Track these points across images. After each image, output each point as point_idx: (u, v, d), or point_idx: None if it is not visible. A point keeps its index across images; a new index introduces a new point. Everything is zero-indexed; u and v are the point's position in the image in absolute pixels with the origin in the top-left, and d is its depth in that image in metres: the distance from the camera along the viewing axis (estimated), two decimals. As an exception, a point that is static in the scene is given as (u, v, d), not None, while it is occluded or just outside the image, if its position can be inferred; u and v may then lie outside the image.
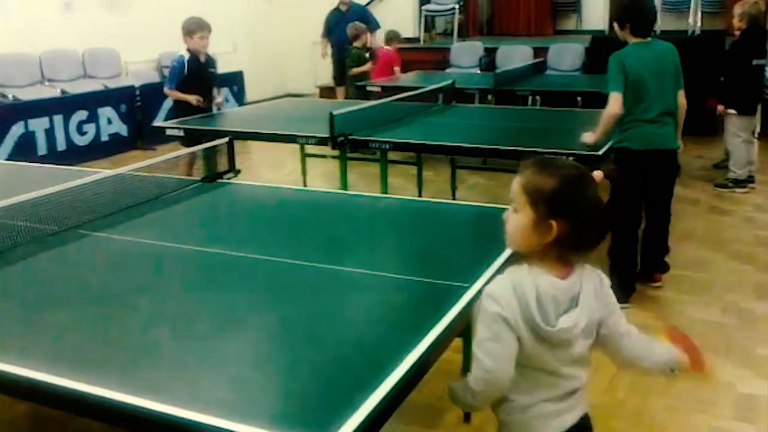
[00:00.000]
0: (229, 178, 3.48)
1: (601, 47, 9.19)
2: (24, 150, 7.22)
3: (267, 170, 6.99)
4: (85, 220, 2.77)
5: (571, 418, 1.70)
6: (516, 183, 1.63)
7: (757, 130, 6.25)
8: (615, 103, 3.82)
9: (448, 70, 9.92)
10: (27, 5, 8.26)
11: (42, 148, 7.52)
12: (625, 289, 3.76)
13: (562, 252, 1.62)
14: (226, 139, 3.56)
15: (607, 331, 1.71)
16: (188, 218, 2.98)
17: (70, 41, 8.63)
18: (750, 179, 6.14)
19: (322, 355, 1.71)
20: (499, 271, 2.00)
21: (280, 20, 12.01)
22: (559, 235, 1.57)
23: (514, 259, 1.75)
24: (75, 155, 7.58)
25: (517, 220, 1.62)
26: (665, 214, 4.08)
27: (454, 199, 5.67)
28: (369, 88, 7.46)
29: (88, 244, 2.59)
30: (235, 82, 10.08)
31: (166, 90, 5.73)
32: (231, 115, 5.79)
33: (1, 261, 2.39)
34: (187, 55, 5.58)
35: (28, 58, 8.27)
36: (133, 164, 3.23)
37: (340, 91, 9.31)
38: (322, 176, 6.83)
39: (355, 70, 8.02)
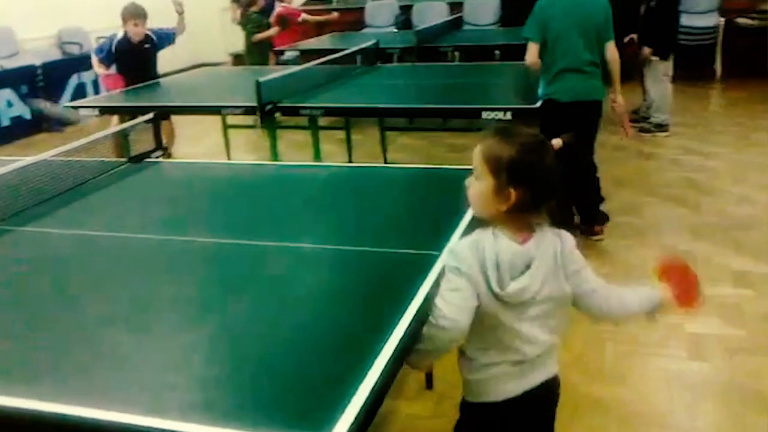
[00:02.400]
0: (157, 157, 3.27)
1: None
2: None
3: (186, 145, 6.69)
4: (7, 214, 2.53)
5: (534, 380, 1.74)
6: (477, 151, 1.64)
7: (671, 73, 6.40)
8: (530, 53, 3.88)
9: (363, 31, 9.75)
10: None
11: (-64, 137, 6.98)
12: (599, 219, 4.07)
13: (522, 217, 1.64)
14: (151, 115, 3.34)
15: (576, 290, 1.73)
16: (121, 203, 2.75)
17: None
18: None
19: (299, 343, 1.59)
20: (464, 235, 1.92)
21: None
22: (517, 201, 1.59)
23: (476, 223, 1.71)
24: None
25: (478, 187, 1.64)
26: (592, 165, 4.11)
27: (385, 161, 5.58)
28: (287, 54, 7.24)
29: (13, 240, 2.36)
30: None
31: (94, 60, 5.77)
32: (147, 89, 5.47)
33: None
34: (119, 35, 5.61)
35: None
36: (58, 148, 2.98)
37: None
38: (245, 147, 6.61)
39: (257, 36, 7.67)
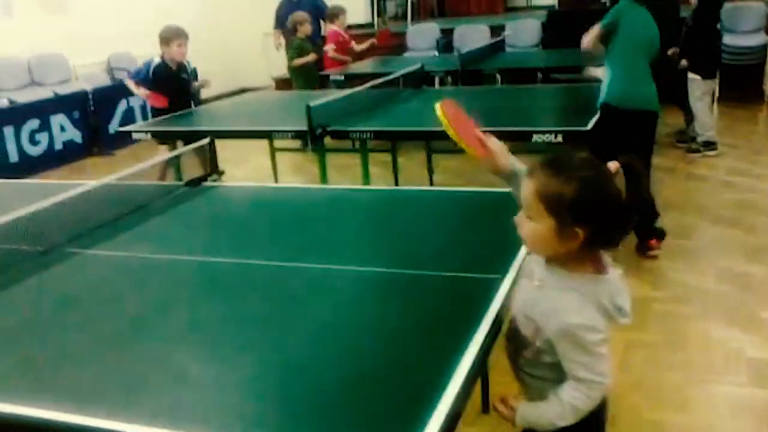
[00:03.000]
0: (214, 181, 3.33)
1: (557, 21, 9.24)
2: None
3: (231, 167, 6.75)
4: (72, 237, 2.59)
5: None
6: (528, 189, 1.51)
7: (716, 94, 6.33)
8: (591, 34, 4.01)
9: (405, 54, 9.83)
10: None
11: (-6, 161, 7.19)
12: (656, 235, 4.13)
13: (593, 250, 1.55)
14: (207, 140, 3.40)
15: None
16: (182, 226, 2.81)
17: (14, 48, 8.27)
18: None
19: (365, 370, 1.59)
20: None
21: (230, 13, 11.74)
22: (586, 239, 1.48)
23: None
24: (28, 166, 7.32)
25: (536, 229, 1.52)
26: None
27: (431, 184, 5.59)
28: (332, 78, 7.32)
29: (80, 262, 2.42)
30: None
31: (127, 81, 5.70)
32: (196, 114, 5.58)
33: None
34: (156, 61, 5.49)
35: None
36: (116, 173, 3.05)
37: None
38: (292, 170, 6.69)
39: (297, 62, 7.69)
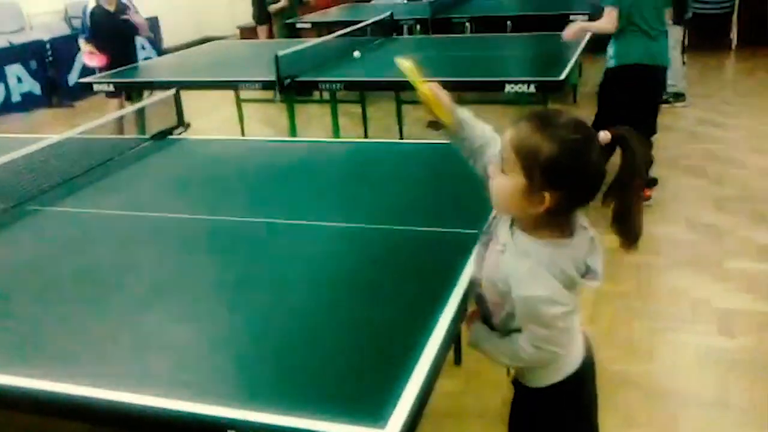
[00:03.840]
0: (179, 134, 3.24)
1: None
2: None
3: (197, 119, 6.59)
4: (34, 194, 2.51)
5: (582, 346, 1.64)
6: (508, 139, 1.40)
7: (686, 42, 6.30)
8: (610, 18, 3.88)
9: (373, 2, 9.63)
10: None
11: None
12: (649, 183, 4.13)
13: (555, 221, 1.43)
14: (173, 91, 3.30)
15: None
16: (148, 181, 2.73)
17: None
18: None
19: (343, 327, 1.57)
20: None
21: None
22: (551, 206, 1.37)
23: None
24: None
25: (506, 183, 1.40)
26: (650, 129, 4.15)
27: (401, 136, 5.53)
28: (298, 25, 7.15)
29: (43, 220, 2.34)
30: (150, 29, 9.50)
31: (80, 41, 5.41)
32: (157, 64, 5.42)
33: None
34: (91, 5, 5.24)
35: None
36: (78, 127, 2.94)
37: (262, 30, 8.85)
38: (259, 122, 6.56)
39: (273, 7, 7.56)
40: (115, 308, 1.71)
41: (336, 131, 4.53)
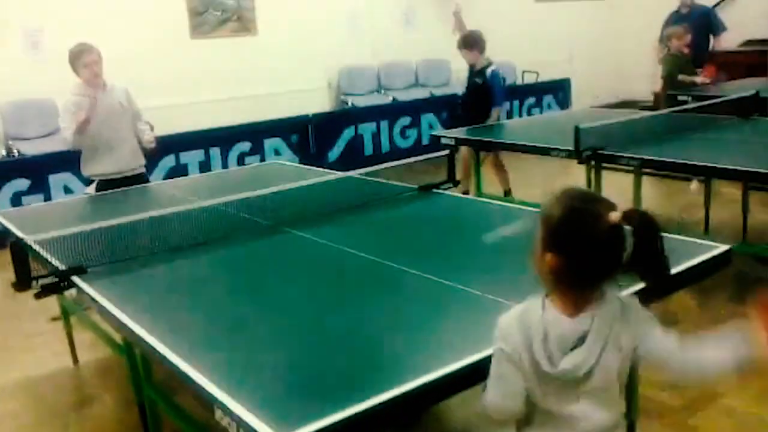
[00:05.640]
0: (445, 189, 3.68)
1: None
2: (352, 151, 8.23)
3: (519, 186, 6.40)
4: (293, 220, 3.18)
5: None
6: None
7: None
8: None
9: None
10: (374, 19, 9.33)
11: (368, 149, 8.44)
12: None
13: (569, 290, 1.54)
14: (447, 151, 3.77)
15: (647, 355, 1.59)
16: (387, 228, 3.17)
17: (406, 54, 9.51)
18: None
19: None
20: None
21: (619, 25, 11.65)
22: (556, 269, 1.51)
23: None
24: (396, 158, 8.37)
25: (534, 246, 1.59)
26: None
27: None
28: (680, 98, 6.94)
29: (286, 242, 2.98)
30: (560, 89, 10.15)
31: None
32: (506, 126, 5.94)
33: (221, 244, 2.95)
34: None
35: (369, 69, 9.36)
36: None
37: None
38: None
39: (683, 78, 7.23)
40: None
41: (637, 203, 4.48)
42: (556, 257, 1.50)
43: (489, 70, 6.13)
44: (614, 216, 1.49)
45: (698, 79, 7.31)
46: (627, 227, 1.50)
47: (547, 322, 1.53)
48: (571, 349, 1.53)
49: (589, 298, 1.55)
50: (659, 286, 1.57)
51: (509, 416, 1.62)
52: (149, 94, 5.33)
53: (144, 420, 2.81)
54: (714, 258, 2.39)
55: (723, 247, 2.44)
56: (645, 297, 1.69)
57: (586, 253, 1.49)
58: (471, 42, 6.16)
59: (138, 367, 2.73)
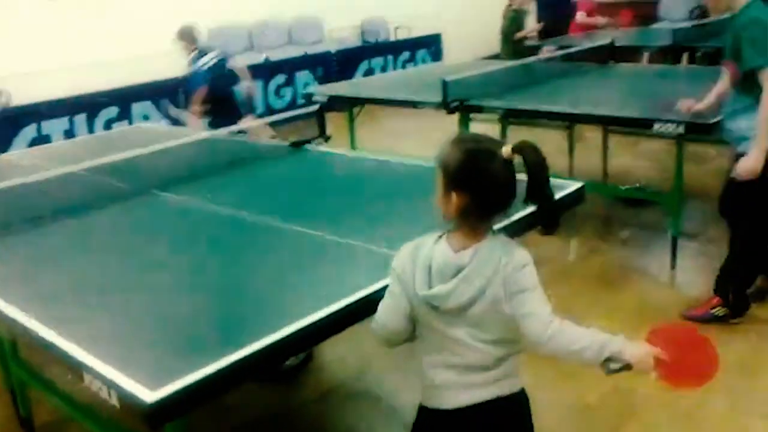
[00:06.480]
0: (317, 144, 3.68)
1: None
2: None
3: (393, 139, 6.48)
4: (163, 183, 3.12)
5: (484, 394, 1.72)
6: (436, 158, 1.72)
7: None
8: None
9: (655, 25, 9.25)
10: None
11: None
12: (738, 306, 3.38)
13: (468, 223, 1.67)
14: (317, 107, 3.78)
15: (511, 311, 1.65)
16: (261, 185, 3.17)
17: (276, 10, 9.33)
18: None
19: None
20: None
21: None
22: (460, 206, 1.63)
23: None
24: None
25: (437, 191, 1.70)
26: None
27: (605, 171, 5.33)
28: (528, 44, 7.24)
29: (153, 205, 2.93)
30: (433, 43, 10.35)
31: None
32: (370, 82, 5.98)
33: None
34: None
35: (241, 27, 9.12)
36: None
37: None
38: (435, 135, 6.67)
39: (518, 35, 7.51)
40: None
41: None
42: (460, 195, 1.63)
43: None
44: (506, 150, 1.63)
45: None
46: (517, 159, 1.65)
47: (434, 253, 1.68)
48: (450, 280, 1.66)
49: (479, 236, 1.67)
50: (549, 214, 1.73)
51: (389, 334, 1.76)
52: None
53: (16, 406, 2.71)
54: (569, 194, 2.57)
55: (577, 184, 2.63)
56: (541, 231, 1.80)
57: (488, 187, 1.64)
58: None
59: (3, 345, 2.62)
